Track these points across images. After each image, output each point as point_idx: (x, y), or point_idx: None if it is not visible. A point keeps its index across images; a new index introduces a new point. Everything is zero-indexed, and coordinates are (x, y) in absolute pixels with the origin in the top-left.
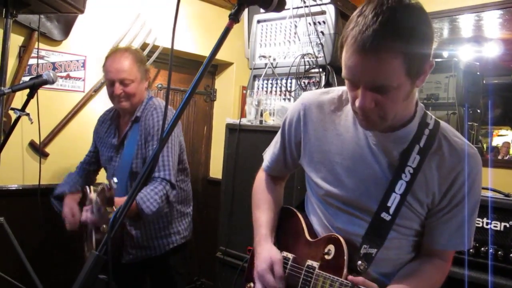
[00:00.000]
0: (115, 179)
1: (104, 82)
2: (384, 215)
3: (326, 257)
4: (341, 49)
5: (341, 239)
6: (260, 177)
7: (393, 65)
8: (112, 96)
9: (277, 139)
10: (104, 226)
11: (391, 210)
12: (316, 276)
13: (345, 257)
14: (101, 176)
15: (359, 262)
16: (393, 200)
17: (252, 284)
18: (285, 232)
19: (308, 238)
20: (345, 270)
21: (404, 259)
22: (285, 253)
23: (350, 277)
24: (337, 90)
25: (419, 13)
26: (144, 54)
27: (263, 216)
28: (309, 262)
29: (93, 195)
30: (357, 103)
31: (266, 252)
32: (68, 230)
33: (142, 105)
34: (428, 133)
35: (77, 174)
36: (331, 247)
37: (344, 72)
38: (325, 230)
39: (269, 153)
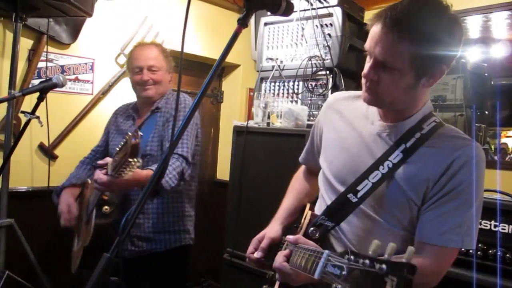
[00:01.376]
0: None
1: (112, 85)
2: (350, 196)
3: (297, 230)
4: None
5: (307, 208)
6: (298, 171)
7: (400, 49)
8: (139, 83)
9: (310, 135)
10: (106, 196)
11: (359, 194)
12: (283, 243)
13: (303, 224)
14: None
15: (311, 229)
16: (364, 186)
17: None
18: (295, 225)
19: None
20: (300, 235)
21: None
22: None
23: (287, 236)
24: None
25: (442, 18)
26: (168, 51)
27: (286, 202)
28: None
29: (108, 159)
30: (364, 69)
31: (268, 228)
32: (62, 227)
33: (164, 97)
34: (429, 127)
35: (77, 170)
36: (301, 219)
37: (366, 43)
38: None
39: (305, 148)
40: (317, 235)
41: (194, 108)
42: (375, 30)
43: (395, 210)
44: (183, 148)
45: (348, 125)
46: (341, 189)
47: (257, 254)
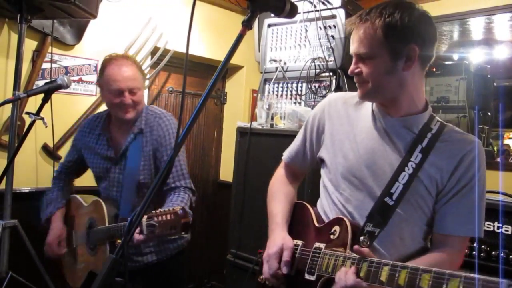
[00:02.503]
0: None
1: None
2: (387, 199)
3: (332, 237)
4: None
5: (346, 219)
6: (279, 173)
7: (369, 36)
8: (119, 105)
9: (299, 134)
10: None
11: (394, 197)
12: (323, 255)
13: (349, 234)
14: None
15: (362, 238)
16: (396, 188)
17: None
18: (296, 222)
19: (316, 224)
20: (348, 246)
21: (411, 248)
22: (295, 241)
23: (356, 247)
24: None
25: (405, 5)
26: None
27: (279, 206)
28: (317, 244)
29: (143, 219)
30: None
31: (280, 239)
32: (46, 257)
33: (143, 115)
34: (436, 127)
35: (58, 189)
36: (336, 228)
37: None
38: (332, 214)
39: (291, 146)
40: (368, 243)
41: (199, 110)
42: (352, 31)
43: (421, 205)
44: (185, 180)
45: (358, 121)
46: (360, 185)
47: (285, 270)
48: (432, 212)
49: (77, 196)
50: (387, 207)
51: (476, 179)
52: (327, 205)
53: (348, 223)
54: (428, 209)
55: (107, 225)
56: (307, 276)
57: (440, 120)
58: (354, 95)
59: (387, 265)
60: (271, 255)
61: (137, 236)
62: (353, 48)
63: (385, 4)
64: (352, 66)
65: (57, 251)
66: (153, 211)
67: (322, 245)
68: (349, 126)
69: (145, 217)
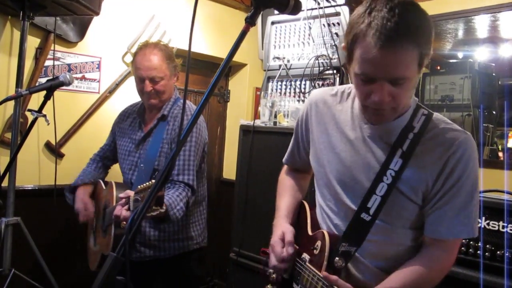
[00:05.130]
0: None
1: (119, 84)
2: (364, 215)
3: (314, 251)
4: (352, 46)
5: (326, 235)
6: (282, 171)
7: (412, 56)
8: (142, 92)
9: (293, 136)
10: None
11: (372, 211)
12: (305, 269)
13: (325, 254)
14: (114, 175)
15: (337, 258)
16: (374, 202)
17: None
18: (296, 224)
19: (309, 232)
20: (323, 266)
21: (397, 252)
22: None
23: (324, 273)
24: (342, 87)
25: (423, 11)
26: (173, 50)
27: (283, 201)
28: (304, 255)
29: (130, 193)
30: (374, 97)
31: (280, 227)
32: (81, 222)
33: (170, 103)
34: (419, 124)
35: (90, 168)
36: (318, 243)
37: (360, 67)
38: (323, 224)
39: (288, 149)
40: (343, 264)
41: (201, 108)
42: (369, 55)
43: (403, 214)
44: (189, 176)
45: (337, 128)
46: (339, 199)
47: (290, 250)
48: (418, 216)
49: (100, 180)
50: (363, 223)
51: (464, 179)
52: (319, 211)
53: (327, 242)
54: (412, 215)
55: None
56: (294, 285)
57: (426, 112)
58: (334, 92)
59: None
60: (275, 242)
61: (124, 213)
62: (387, 73)
63: (403, 14)
64: (382, 94)
65: (85, 213)
66: (139, 186)
67: (307, 257)
68: (327, 135)
69: (133, 192)
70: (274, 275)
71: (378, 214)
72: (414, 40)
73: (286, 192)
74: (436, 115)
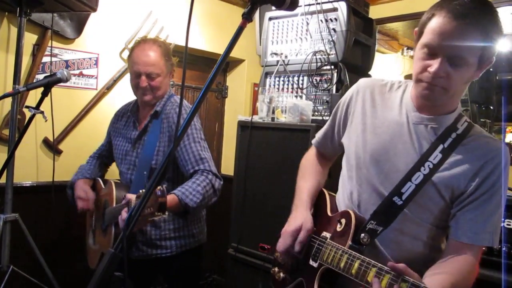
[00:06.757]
0: (165, 185)
1: (117, 80)
2: (396, 199)
3: (338, 228)
4: (425, 23)
5: (352, 213)
6: (309, 153)
7: (477, 43)
8: (136, 87)
9: (330, 118)
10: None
11: (404, 197)
12: (326, 245)
13: (351, 229)
14: (112, 173)
15: (363, 235)
16: (408, 188)
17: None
18: (314, 208)
19: (329, 213)
20: (349, 241)
21: (413, 247)
22: None
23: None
24: (392, 80)
25: (494, 9)
26: (170, 47)
27: (306, 183)
28: (324, 233)
29: (132, 196)
30: (430, 69)
31: (301, 218)
32: (79, 211)
33: (163, 100)
34: (463, 127)
35: (88, 165)
36: (343, 220)
37: (427, 38)
38: (344, 207)
39: (320, 130)
40: (368, 240)
41: (198, 104)
42: (441, 25)
43: (429, 206)
44: (204, 164)
45: (383, 112)
46: (370, 180)
47: (297, 249)
48: (443, 215)
49: (99, 179)
50: (395, 206)
51: (497, 186)
52: (341, 195)
53: (353, 217)
54: (439, 211)
55: (114, 206)
56: (311, 262)
57: (469, 120)
58: (384, 83)
59: (389, 274)
60: (288, 232)
61: (124, 215)
62: (450, 48)
63: (478, 2)
64: (439, 68)
65: (85, 199)
66: (140, 190)
67: (328, 235)
68: (371, 117)
69: (134, 196)
70: (281, 258)
71: (409, 202)
72: (483, 30)
73: (311, 176)
74: (476, 125)
